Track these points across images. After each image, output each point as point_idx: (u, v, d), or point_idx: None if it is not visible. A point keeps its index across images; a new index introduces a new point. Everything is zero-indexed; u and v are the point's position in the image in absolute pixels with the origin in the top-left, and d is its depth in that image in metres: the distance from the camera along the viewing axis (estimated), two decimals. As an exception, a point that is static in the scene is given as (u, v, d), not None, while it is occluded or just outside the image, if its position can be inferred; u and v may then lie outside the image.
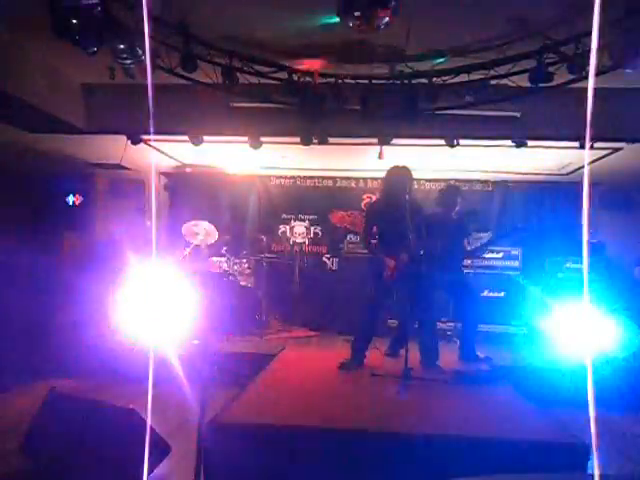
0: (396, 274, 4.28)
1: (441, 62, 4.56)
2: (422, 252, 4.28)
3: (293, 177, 8.05)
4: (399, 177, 4.37)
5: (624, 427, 4.23)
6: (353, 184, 7.99)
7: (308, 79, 4.76)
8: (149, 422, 2.72)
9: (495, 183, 7.70)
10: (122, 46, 3.76)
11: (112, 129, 5.73)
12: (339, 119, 5.15)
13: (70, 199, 7.87)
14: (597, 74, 3.99)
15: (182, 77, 4.46)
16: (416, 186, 6.57)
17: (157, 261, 6.62)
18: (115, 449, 2.65)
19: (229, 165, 7.56)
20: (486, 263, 6.68)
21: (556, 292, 6.28)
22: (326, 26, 4.01)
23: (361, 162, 7.00)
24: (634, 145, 5.52)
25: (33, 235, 6.10)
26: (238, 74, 4.57)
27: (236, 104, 5.46)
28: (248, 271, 6.92)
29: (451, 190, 5.17)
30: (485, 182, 7.72)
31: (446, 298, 5.70)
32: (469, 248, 5.51)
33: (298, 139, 5.63)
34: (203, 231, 6.75)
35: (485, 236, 6.07)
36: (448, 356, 4.74)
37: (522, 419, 3.14)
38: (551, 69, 4.21)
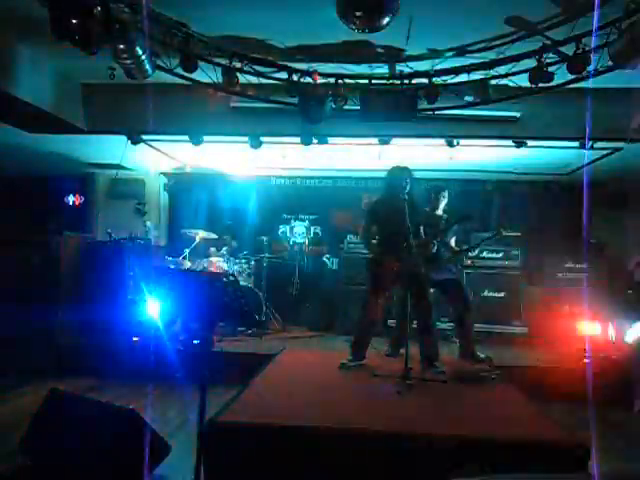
0: (395, 272, 4.28)
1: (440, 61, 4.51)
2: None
3: (293, 177, 8.05)
4: (399, 177, 4.37)
5: (624, 426, 4.23)
6: (353, 184, 7.99)
7: (308, 79, 4.76)
8: (149, 422, 2.72)
9: (495, 183, 7.72)
10: (122, 46, 3.76)
11: (112, 129, 5.73)
12: (339, 119, 5.15)
13: (70, 199, 7.87)
14: (597, 74, 4.00)
15: (182, 77, 4.46)
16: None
17: (157, 260, 6.64)
18: (115, 449, 2.65)
19: (229, 165, 7.57)
20: (486, 263, 6.68)
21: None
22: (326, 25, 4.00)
23: (361, 162, 7.00)
24: (634, 145, 5.52)
25: (33, 235, 6.09)
26: (238, 74, 4.58)
27: (236, 104, 5.46)
28: (248, 271, 6.92)
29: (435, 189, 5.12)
30: (485, 182, 7.73)
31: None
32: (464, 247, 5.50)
33: (298, 139, 5.64)
34: (202, 233, 6.77)
35: (483, 236, 6.05)
36: (448, 356, 4.74)
37: (522, 419, 3.14)
38: (551, 69, 4.21)
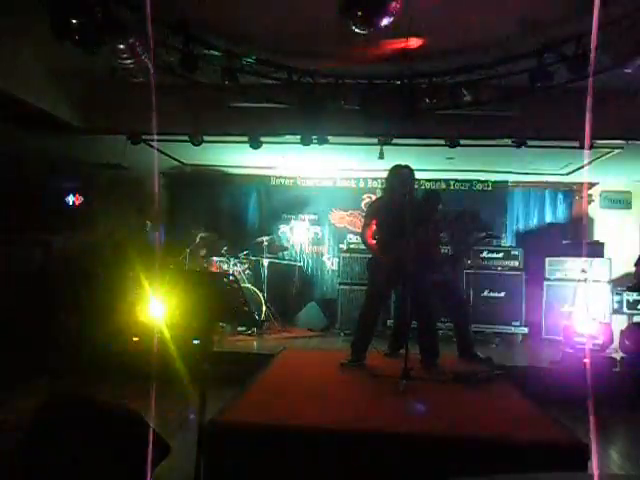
0: (396, 272, 4.27)
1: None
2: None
3: (293, 177, 8.06)
4: (401, 176, 4.37)
5: (624, 426, 4.24)
6: (353, 184, 7.99)
7: (308, 79, 4.76)
8: (149, 422, 2.72)
9: (495, 183, 7.72)
10: (122, 46, 3.76)
11: (112, 129, 5.73)
12: (339, 119, 5.15)
13: (70, 199, 7.87)
14: (597, 74, 4.00)
15: (182, 77, 4.46)
16: (416, 186, 6.59)
17: (158, 261, 6.64)
18: (115, 449, 2.65)
19: (229, 165, 7.57)
20: (486, 263, 6.68)
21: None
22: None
23: (361, 162, 6.99)
24: (634, 145, 5.52)
25: (33, 235, 6.10)
26: (238, 74, 4.57)
27: (236, 104, 5.46)
28: (248, 271, 6.92)
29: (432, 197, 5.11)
30: (485, 182, 7.73)
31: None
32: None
33: (298, 139, 5.64)
34: (202, 233, 6.77)
35: (482, 236, 6.04)
36: (448, 356, 4.73)
37: (522, 419, 3.13)
38: (551, 69, 4.21)
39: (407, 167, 4.41)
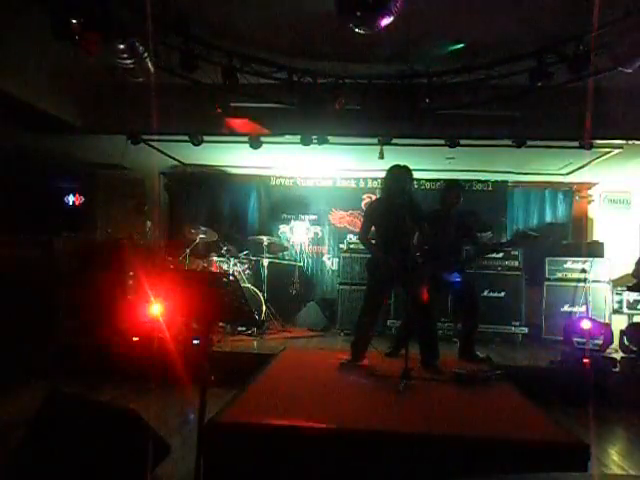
0: (396, 275, 4.27)
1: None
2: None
3: (293, 177, 8.06)
4: (399, 177, 4.36)
5: (624, 427, 4.24)
6: (353, 184, 7.99)
7: (308, 79, 4.76)
8: (149, 422, 2.72)
9: (495, 183, 7.71)
10: (122, 46, 3.76)
11: (112, 129, 5.73)
12: (339, 119, 5.15)
13: (70, 199, 7.87)
14: (597, 74, 4.00)
15: (182, 77, 4.46)
16: (416, 186, 6.59)
17: (158, 261, 6.63)
18: (115, 449, 2.65)
19: (229, 165, 7.57)
20: (486, 263, 6.67)
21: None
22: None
23: (361, 162, 6.99)
24: (634, 145, 5.51)
25: (33, 235, 6.09)
26: (238, 74, 4.58)
27: (236, 104, 5.46)
28: (248, 271, 6.91)
29: (452, 187, 5.03)
30: (485, 182, 7.73)
31: (444, 298, 5.69)
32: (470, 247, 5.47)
33: (298, 139, 5.64)
34: (202, 233, 6.75)
35: (485, 236, 6.03)
36: (448, 356, 4.73)
37: (522, 419, 3.14)
38: (551, 69, 4.22)
39: (405, 167, 4.40)
